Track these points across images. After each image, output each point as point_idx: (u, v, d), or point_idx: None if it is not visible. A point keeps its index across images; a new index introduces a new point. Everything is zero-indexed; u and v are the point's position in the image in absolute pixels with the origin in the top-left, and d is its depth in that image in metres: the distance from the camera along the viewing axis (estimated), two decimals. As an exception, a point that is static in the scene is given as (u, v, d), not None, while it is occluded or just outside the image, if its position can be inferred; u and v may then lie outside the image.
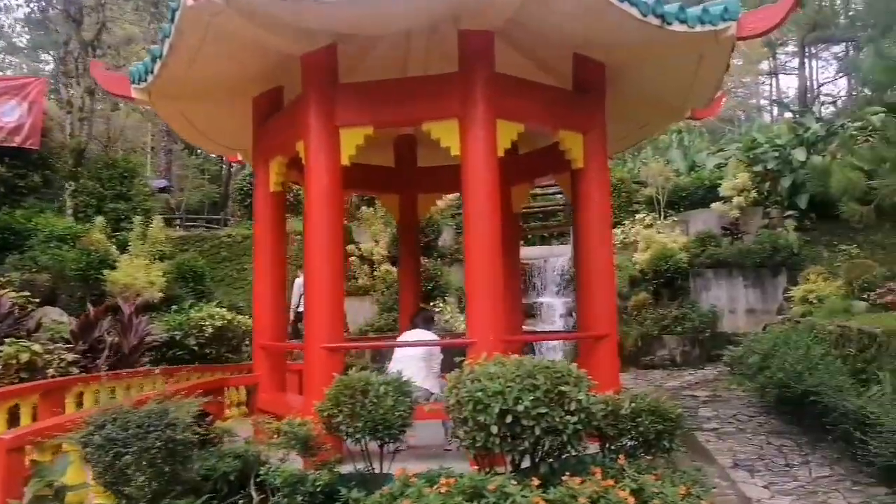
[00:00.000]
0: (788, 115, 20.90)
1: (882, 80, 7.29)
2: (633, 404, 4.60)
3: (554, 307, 14.59)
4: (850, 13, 37.88)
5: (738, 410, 8.21)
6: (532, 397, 3.83)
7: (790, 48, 42.57)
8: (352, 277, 14.10)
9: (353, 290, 13.79)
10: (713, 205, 14.31)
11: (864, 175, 7.73)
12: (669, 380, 10.99)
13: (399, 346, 6.06)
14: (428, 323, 6.33)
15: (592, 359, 5.99)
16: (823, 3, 35.21)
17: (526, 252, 18.67)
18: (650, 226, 14.45)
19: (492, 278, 5.11)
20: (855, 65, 18.61)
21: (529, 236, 19.53)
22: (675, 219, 14.86)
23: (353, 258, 13.87)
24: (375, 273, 13.86)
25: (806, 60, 41.37)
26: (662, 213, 15.01)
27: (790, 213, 14.17)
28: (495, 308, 5.13)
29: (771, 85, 41.42)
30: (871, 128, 13.53)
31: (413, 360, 5.58)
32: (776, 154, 14.50)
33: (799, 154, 13.89)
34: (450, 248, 15.30)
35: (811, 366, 7.62)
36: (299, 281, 11.97)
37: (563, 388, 3.92)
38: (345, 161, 5.40)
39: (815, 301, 10.19)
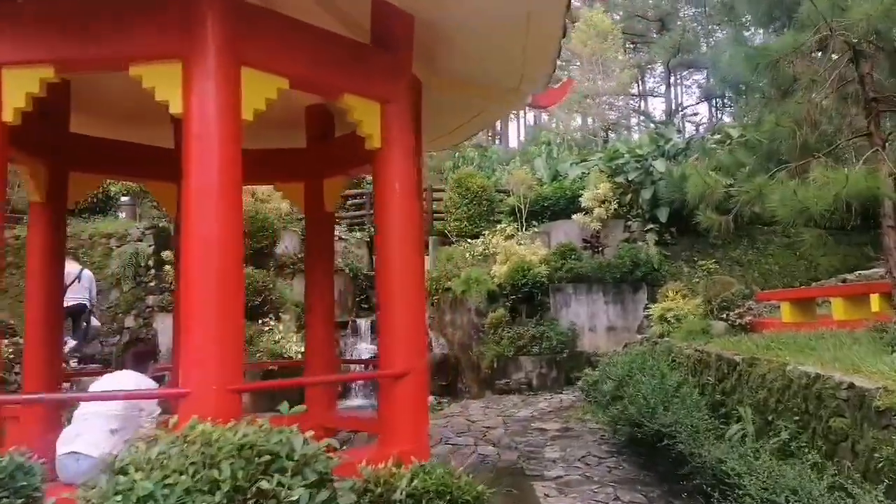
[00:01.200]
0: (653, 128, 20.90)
1: (743, 70, 6.43)
2: (412, 484, 3.11)
3: (407, 324, 13.11)
4: (711, 41, 40.10)
5: (587, 450, 7.05)
6: (207, 502, 2.24)
7: (658, 70, 44.61)
8: (159, 290, 11.92)
9: (162, 303, 11.64)
10: (575, 216, 13.50)
11: (722, 184, 6.84)
12: (522, 407, 9.80)
13: (88, 398, 4.16)
14: (140, 363, 4.46)
15: (392, 404, 4.53)
16: (686, 30, 36.87)
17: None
18: (511, 236, 13.40)
19: (219, 297, 3.46)
20: (714, 62, 18.75)
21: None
22: (537, 230, 13.92)
23: (168, 268, 11.69)
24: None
25: (672, 85, 43.36)
26: (524, 224, 14.03)
27: (651, 226, 13.64)
28: (224, 341, 3.48)
29: (640, 106, 42.91)
30: (729, 140, 13.29)
31: (99, 419, 3.76)
32: (637, 165, 13.95)
33: (659, 165, 13.38)
34: (290, 256, 13.46)
35: (666, 398, 6.58)
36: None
37: (263, 484, 2.34)
38: (8, 117, 3.56)
39: (673, 320, 9.37)
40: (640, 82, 42.91)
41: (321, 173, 6.39)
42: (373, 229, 15.49)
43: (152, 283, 12.17)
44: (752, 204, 6.77)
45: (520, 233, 13.55)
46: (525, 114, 51.79)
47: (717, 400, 6.65)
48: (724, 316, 8.67)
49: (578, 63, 22.49)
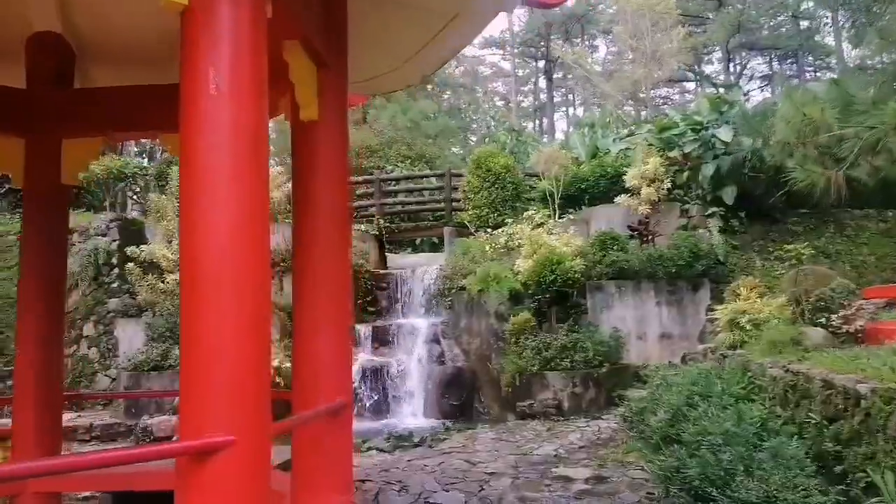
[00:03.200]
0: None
1: None
2: None
3: (417, 331, 11.01)
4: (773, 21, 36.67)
5: (626, 520, 4.74)
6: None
7: (716, 55, 41.30)
8: (122, 292, 10.14)
9: (125, 308, 9.85)
10: (618, 198, 11.11)
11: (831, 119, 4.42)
12: (546, 440, 7.53)
13: None
14: None
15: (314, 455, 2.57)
16: (747, 4, 33.57)
17: (394, 261, 15.13)
18: (540, 225, 11.10)
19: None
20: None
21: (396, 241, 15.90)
22: (574, 217, 11.58)
23: (131, 265, 9.88)
24: (163, 284, 9.91)
25: (732, 73, 39.97)
26: (556, 211, 11.71)
27: (714, 209, 11.13)
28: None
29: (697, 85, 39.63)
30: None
31: None
32: (696, 136, 11.45)
33: (724, 134, 10.86)
34: (280, 252, 11.51)
35: (746, 448, 4.24)
36: None
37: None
38: None
39: (748, 326, 6.93)
40: (694, 70, 39.78)
41: (56, 130, 4.32)
42: (382, 221, 13.45)
43: (115, 285, 10.41)
44: (877, 150, 4.37)
45: (551, 221, 11.24)
46: (574, 104, 49.19)
47: (829, 451, 4.27)
48: (823, 320, 6.22)
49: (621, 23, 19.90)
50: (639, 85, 30.63)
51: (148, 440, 7.89)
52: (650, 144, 11.69)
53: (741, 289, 7.96)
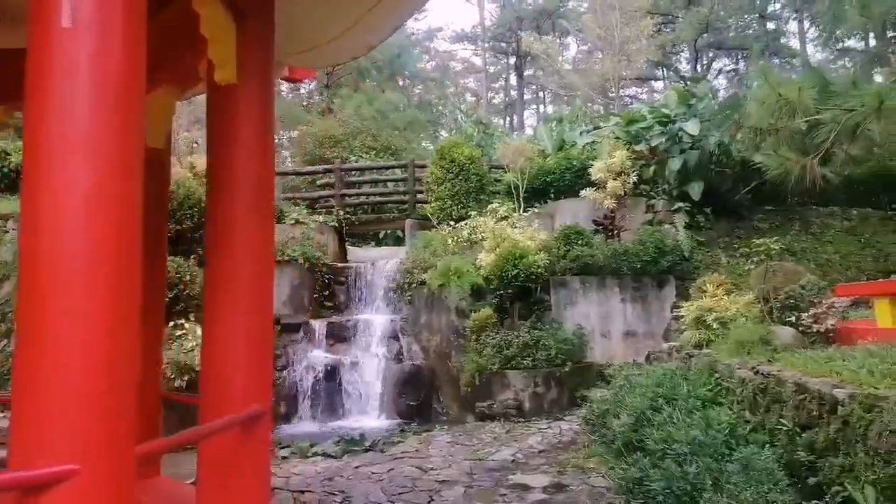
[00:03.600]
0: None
1: None
2: None
3: (375, 327, 10.54)
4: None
5: (584, 534, 4.37)
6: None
7: (684, 55, 41.52)
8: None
9: None
10: (583, 192, 10.79)
11: (810, 99, 4.09)
12: (504, 443, 7.14)
13: None
14: None
15: (224, 473, 2.25)
16: (717, 4, 33.73)
17: (356, 254, 14.63)
18: (505, 218, 10.72)
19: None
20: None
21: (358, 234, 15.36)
22: (539, 211, 11.23)
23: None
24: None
25: (699, 71, 40.17)
26: (521, 204, 11.34)
27: (680, 205, 10.90)
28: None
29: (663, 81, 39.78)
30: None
31: None
32: (663, 129, 11.19)
33: (691, 127, 10.61)
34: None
35: (715, 459, 3.89)
36: None
37: None
38: None
39: (715, 324, 6.63)
40: (663, 69, 40.00)
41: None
42: (342, 212, 12.93)
43: (51, 275, 9.70)
44: (856, 135, 4.06)
45: (516, 214, 10.87)
46: (544, 101, 49.06)
47: (802, 461, 3.94)
48: (793, 318, 5.94)
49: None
50: (607, 81, 30.54)
51: None
52: (617, 138, 11.40)
53: (707, 285, 7.69)
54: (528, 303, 9.49)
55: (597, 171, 10.54)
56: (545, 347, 8.65)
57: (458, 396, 9.36)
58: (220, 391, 3.10)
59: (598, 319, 9.84)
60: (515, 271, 9.01)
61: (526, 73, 44.84)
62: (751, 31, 37.78)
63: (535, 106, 49.08)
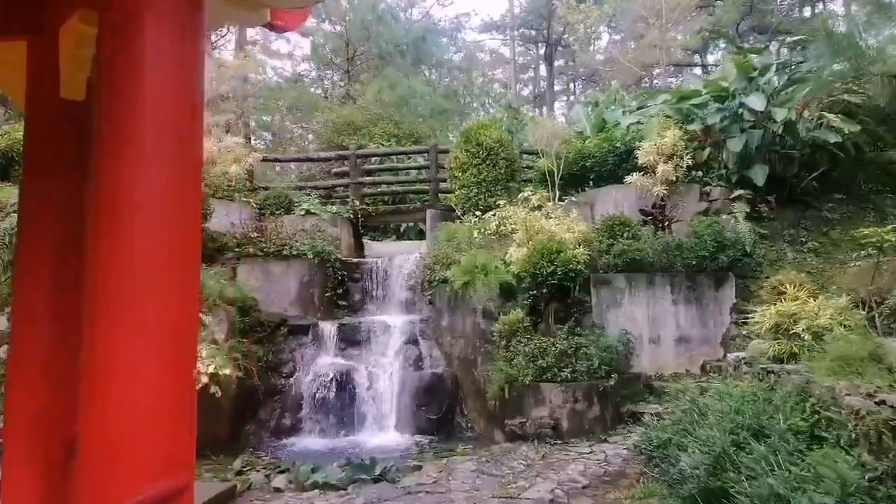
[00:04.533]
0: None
1: None
2: None
3: (392, 330, 9.42)
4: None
5: None
6: None
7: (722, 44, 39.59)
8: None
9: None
10: (628, 178, 9.50)
11: None
12: (540, 473, 5.95)
13: None
14: None
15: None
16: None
17: (375, 249, 13.52)
18: (538, 208, 9.49)
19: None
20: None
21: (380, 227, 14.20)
22: (575, 199, 9.96)
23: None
24: None
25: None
26: (556, 193, 10.09)
27: (740, 192, 9.52)
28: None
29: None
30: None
31: None
32: (720, 106, 9.82)
33: (755, 102, 9.23)
34: (234, 236, 9.91)
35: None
36: None
37: None
38: None
39: (805, 335, 5.32)
40: (702, 54, 38.12)
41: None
42: (358, 203, 11.81)
43: (35, 271, 8.75)
44: None
45: (550, 203, 9.62)
46: (575, 92, 47.45)
47: None
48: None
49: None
50: (646, 67, 28.88)
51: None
52: (667, 116, 10.07)
53: (786, 285, 6.37)
54: (565, 304, 8.26)
55: (645, 153, 9.25)
56: (586, 356, 7.41)
57: (484, 410, 8.19)
58: (106, 455, 1.97)
59: (647, 323, 8.57)
60: (551, 268, 7.78)
61: (556, 63, 43.33)
62: (795, 14, 35.77)
63: (565, 98, 47.46)
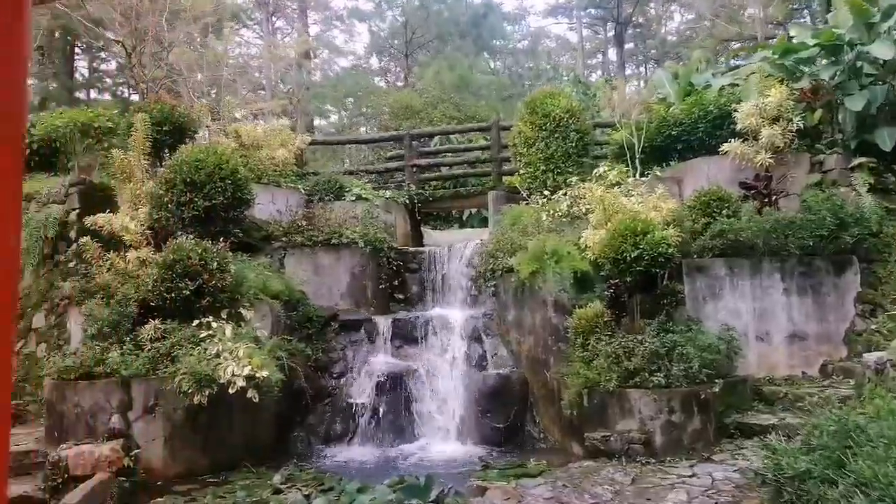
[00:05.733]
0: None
1: None
2: None
3: (453, 325, 8.42)
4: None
5: None
6: None
7: None
8: (79, 273, 7.95)
9: (80, 293, 7.63)
10: (725, 146, 8.13)
11: None
12: (633, 502, 4.80)
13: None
14: None
15: None
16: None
17: (435, 238, 12.53)
18: (616, 185, 8.27)
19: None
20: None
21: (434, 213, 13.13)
22: (660, 174, 8.65)
23: (86, 240, 7.63)
24: (123, 263, 7.60)
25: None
26: (638, 167, 8.81)
27: (861, 160, 7.99)
28: None
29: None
30: None
31: None
32: (833, 58, 8.29)
33: (880, 50, 7.68)
34: (281, 225, 9.13)
35: None
36: None
37: None
38: None
39: None
40: (786, 28, 35.28)
41: None
42: (413, 187, 10.85)
43: (72, 264, 8.25)
44: None
45: (630, 179, 8.37)
46: (647, 76, 45.12)
47: None
48: None
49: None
50: (721, 44, 26.78)
51: (59, 479, 5.62)
52: (768, 74, 8.61)
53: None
54: (653, 295, 7.02)
55: (745, 115, 7.85)
56: (682, 357, 6.17)
57: (558, 418, 7.07)
58: None
59: (752, 317, 7.23)
60: (636, 252, 6.55)
61: (627, 45, 41.20)
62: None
63: (636, 83, 45.10)
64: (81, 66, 29.89)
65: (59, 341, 8.07)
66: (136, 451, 6.10)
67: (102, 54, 26.29)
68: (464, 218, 14.55)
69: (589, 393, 6.32)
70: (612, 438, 6.05)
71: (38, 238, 8.37)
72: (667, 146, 9.08)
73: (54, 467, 5.66)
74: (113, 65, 27.13)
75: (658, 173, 8.59)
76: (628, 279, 6.81)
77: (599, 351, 6.41)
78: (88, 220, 7.81)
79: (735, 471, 5.50)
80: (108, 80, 29.00)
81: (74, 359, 6.45)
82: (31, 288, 8.56)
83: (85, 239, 7.70)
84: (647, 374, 6.09)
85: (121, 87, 27.99)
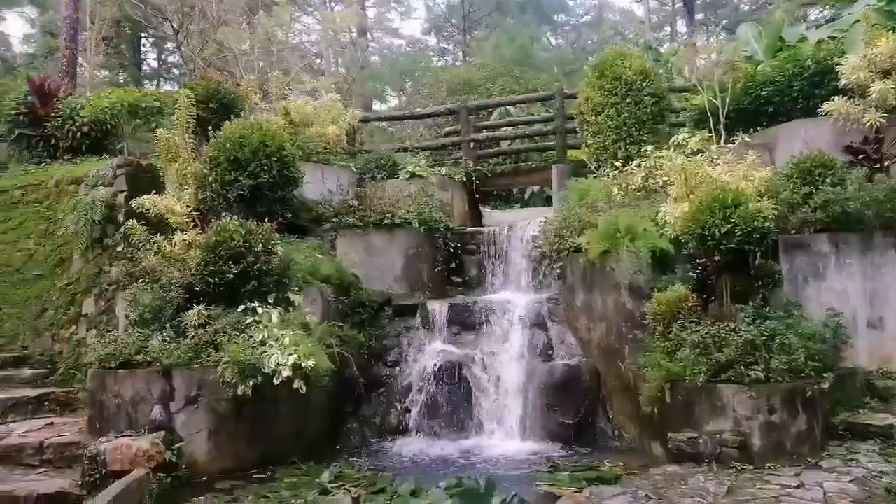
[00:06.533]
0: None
1: None
2: None
3: (514, 310, 7.76)
4: None
5: None
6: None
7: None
8: (126, 257, 7.68)
9: (128, 277, 7.34)
10: (827, 104, 7.09)
11: None
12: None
13: None
14: None
15: None
16: None
17: (495, 218, 11.82)
18: (698, 153, 7.38)
19: None
20: None
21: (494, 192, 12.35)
22: (750, 141, 7.67)
23: (132, 223, 7.33)
24: (169, 246, 7.26)
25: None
26: (723, 133, 7.85)
27: None
28: None
29: None
30: None
31: None
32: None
33: None
34: (332, 206, 8.64)
35: None
36: None
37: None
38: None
39: None
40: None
41: None
42: (470, 163, 10.19)
43: (120, 248, 8.00)
44: None
45: (714, 147, 7.45)
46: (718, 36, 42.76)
47: None
48: None
49: None
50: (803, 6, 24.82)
51: (96, 474, 5.29)
52: (875, 24, 7.48)
53: None
54: (745, 276, 6.12)
55: (850, 69, 6.80)
56: (784, 348, 5.31)
57: (636, 415, 6.32)
58: None
59: (863, 300, 6.25)
60: (727, 226, 5.68)
61: (697, 17, 39.00)
62: None
63: (716, 42, 42.56)
64: (151, 58, 30.55)
65: (108, 327, 7.83)
66: (178, 444, 5.73)
67: (169, 45, 26.60)
68: (526, 197, 13.78)
69: (672, 388, 5.55)
70: (700, 440, 5.26)
71: (86, 222, 8.16)
72: (755, 109, 8.06)
73: (92, 461, 5.34)
74: (178, 57, 27.47)
75: (746, 139, 7.62)
76: (716, 258, 5.96)
77: (684, 340, 5.61)
78: (135, 203, 7.51)
79: (850, 480, 4.66)
80: (175, 70, 29.48)
81: (115, 346, 6.12)
82: (80, 273, 8.39)
83: (131, 222, 7.39)
84: (742, 368, 5.26)
85: (185, 77, 28.41)
